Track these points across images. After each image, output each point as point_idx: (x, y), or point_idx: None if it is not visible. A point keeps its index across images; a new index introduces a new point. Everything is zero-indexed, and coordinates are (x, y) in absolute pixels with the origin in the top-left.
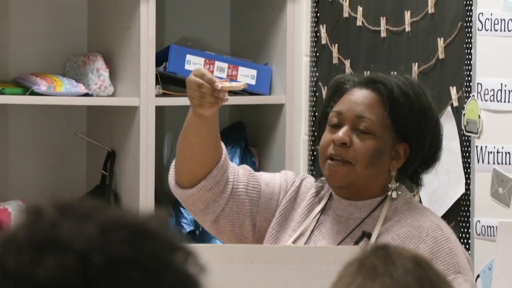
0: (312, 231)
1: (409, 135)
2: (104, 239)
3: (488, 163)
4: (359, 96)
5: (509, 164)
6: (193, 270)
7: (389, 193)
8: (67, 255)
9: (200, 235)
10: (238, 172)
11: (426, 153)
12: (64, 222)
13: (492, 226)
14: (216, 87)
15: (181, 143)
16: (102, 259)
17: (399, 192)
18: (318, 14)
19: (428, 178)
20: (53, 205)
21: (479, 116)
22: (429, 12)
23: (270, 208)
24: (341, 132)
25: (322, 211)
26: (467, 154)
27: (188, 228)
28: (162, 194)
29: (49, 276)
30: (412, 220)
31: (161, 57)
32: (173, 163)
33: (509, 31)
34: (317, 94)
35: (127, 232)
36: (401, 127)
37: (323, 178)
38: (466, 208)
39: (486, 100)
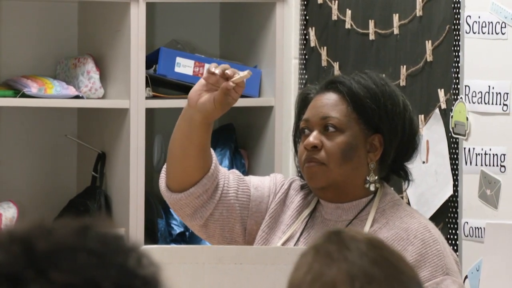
0: (301, 234)
1: (379, 124)
2: (48, 230)
3: (476, 165)
4: (322, 100)
5: (497, 166)
6: (142, 259)
7: (367, 185)
8: (12, 245)
9: (190, 237)
10: (229, 177)
11: (401, 139)
12: (6, 229)
13: (480, 228)
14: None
15: (180, 144)
16: (47, 245)
17: (378, 186)
18: (307, 17)
19: (416, 180)
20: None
21: (467, 118)
22: (417, 15)
23: (260, 212)
24: (311, 137)
25: (310, 215)
26: (455, 156)
27: (178, 229)
28: (152, 196)
29: None
30: (400, 222)
31: (151, 59)
32: (165, 166)
33: (497, 33)
34: None
35: (71, 226)
36: (369, 118)
37: None
38: (454, 210)
39: (474, 102)
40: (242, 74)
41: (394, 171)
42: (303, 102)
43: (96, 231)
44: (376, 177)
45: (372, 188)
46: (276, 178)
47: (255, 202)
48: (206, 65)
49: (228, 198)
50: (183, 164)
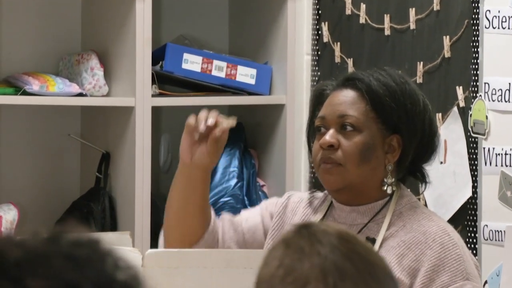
0: None
1: (398, 124)
2: (21, 240)
3: (496, 165)
4: (339, 97)
5: None
6: (120, 262)
7: (384, 187)
8: None
9: None
10: (224, 227)
11: (420, 140)
12: None
13: (500, 231)
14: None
15: (182, 205)
16: (18, 252)
17: (395, 188)
18: (320, 11)
19: (434, 181)
20: None
21: (487, 116)
22: (435, 9)
23: (257, 240)
24: (328, 136)
25: (322, 220)
26: (474, 156)
27: None
28: (159, 197)
29: None
30: (418, 225)
31: (158, 55)
32: (162, 232)
33: None
34: None
35: (41, 234)
36: (387, 118)
37: (314, 190)
38: (473, 212)
39: (493, 100)
40: (226, 124)
41: (411, 173)
42: (318, 98)
43: (69, 237)
44: (394, 179)
45: (389, 190)
46: (268, 202)
47: (249, 234)
48: (215, 62)
49: (227, 246)
50: (185, 225)
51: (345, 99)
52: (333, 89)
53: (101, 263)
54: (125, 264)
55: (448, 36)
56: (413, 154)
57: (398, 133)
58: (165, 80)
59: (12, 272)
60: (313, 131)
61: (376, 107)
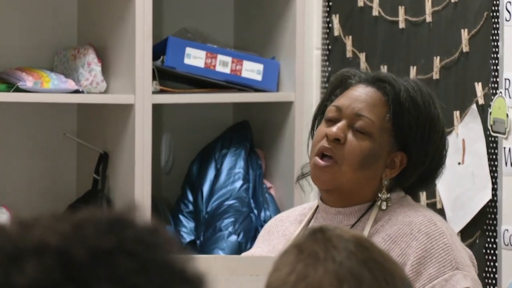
0: None
1: (410, 145)
2: (80, 233)
3: None
4: (362, 93)
5: None
6: (179, 250)
7: (378, 203)
8: (45, 256)
9: (201, 245)
10: None
11: (426, 167)
12: (32, 229)
13: None
14: None
15: None
16: (83, 252)
17: (389, 204)
18: (330, 3)
19: (452, 183)
20: (17, 219)
21: (507, 114)
22: (452, 0)
23: None
24: (336, 127)
25: (308, 223)
26: (494, 157)
27: (188, 237)
28: (160, 200)
29: (31, 283)
30: (403, 217)
31: (159, 50)
32: None
33: None
34: None
35: (102, 224)
36: (401, 134)
37: (301, 175)
38: (493, 216)
39: None
40: None
41: (405, 191)
42: (340, 83)
43: (129, 226)
44: (388, 195)
45: (383, 207)
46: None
47: None
48: (219, 56)
49: None
50: None
51: (368, 99)
52: (359, 81)
53: (163, 258)
54: (187, 257)
55: (466, 30)
56: (414, 178)
57: (406, 152)
58: (167, 76)
59: (78, 275)
60: (322, 113)
61: (396, 119)
